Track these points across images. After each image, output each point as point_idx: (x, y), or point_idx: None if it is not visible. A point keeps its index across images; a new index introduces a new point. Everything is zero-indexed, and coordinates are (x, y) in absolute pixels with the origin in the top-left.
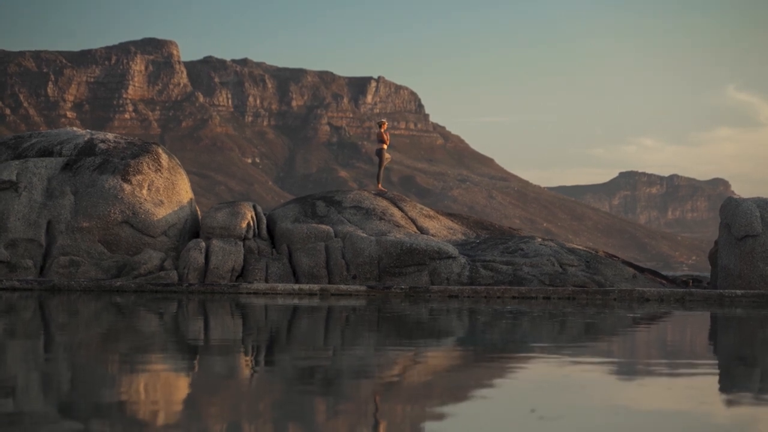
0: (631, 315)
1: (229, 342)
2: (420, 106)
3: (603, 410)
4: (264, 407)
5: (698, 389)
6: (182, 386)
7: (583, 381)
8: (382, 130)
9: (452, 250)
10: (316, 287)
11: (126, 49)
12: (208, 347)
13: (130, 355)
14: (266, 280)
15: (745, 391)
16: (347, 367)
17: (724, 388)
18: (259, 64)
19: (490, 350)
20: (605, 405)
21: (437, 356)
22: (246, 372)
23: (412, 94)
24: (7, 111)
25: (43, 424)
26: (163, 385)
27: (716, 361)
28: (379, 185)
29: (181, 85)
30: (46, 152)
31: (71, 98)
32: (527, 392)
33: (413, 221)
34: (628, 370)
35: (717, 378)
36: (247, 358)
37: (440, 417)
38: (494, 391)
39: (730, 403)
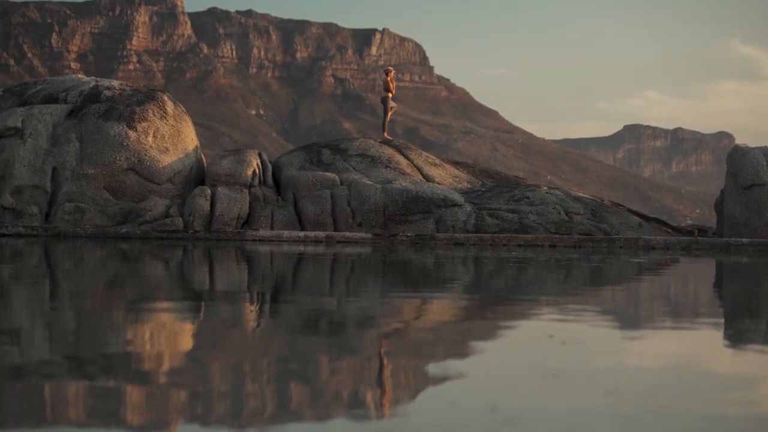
0: (637, 260)
1: (234, 289)
2: (425, 58)
3: (623, 338)
4: (268, 356)
5: (705, 337)
6: (187, 334)
7: (596, 321)
8: (389, 78)
9: (458, 197)
10: (321, 234)
11: (130, 0)
12: (214, 294)
13: (135, 302)
14: (272, 228)
15: (751, 342)
16: (352, 315)
17: (727, 334)
18: (263, 16)
19: (499, 297)
20: (623, 336)
21: (444, 303)
22: (251, 320)
23: (417, 46)
24: (11, 61)
25: (48, 373)
26: (168, 333)
27: (722, 310)
28: (385, 134)
29: (186, 36)
30: (52, 99)
31: (75, 49)
32: (544, 327)
33: (419, 169)
34: (636, 317)
35: (721, 326)
36: (252, 306)
37: (461, 348)
38: (511, 327)
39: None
